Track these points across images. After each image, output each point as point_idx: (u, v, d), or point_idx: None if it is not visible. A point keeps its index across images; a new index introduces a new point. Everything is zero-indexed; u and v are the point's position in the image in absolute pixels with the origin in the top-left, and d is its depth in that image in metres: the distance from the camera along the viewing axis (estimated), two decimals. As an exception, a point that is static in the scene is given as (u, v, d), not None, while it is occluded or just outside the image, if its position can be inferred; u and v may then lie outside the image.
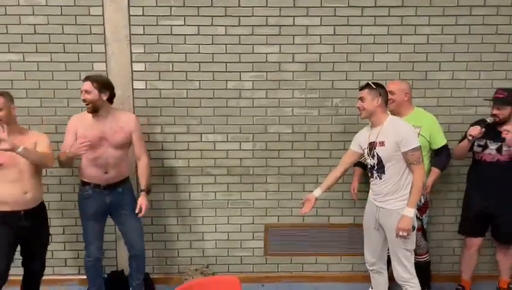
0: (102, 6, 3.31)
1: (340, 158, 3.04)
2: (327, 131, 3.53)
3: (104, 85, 2.89)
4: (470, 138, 3.04)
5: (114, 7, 3.31)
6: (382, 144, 2.71)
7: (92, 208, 3.02)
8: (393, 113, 3.09)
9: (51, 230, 3.53)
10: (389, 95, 3.05)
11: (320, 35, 3.40)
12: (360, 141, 2.90)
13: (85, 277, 3.23)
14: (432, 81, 3.47)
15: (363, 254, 3.07)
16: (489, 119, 3.07)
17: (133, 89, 3.43)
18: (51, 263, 3.63)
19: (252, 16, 3.37)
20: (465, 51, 3.44)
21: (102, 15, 3.33)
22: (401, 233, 2.66)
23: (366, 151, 2.84)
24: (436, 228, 3.63)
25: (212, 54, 3.41)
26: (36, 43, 3.35)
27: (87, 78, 2.88)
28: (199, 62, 3.42)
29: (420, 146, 2.68)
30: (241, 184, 3.59)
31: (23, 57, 3.36)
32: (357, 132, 2.99)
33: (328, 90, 3.48)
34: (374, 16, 3.38)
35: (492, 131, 3.08)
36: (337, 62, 3.44)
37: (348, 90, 3.46)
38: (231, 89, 3.46)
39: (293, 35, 3.40)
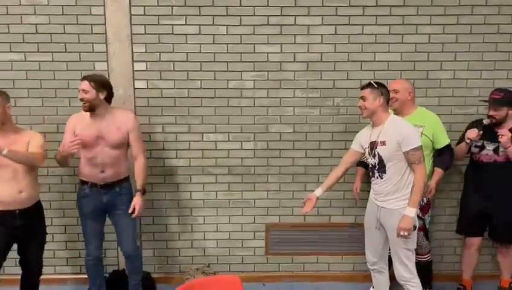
0: (104, 5, 3.31)
1: (341, 158, 3.04)
2: (328, 130, 3.53)
3: (102, 85, 2.89)
4: (468, 141, 3.06)
5: (115, 7, 3.31)
6: (383, 143, 2.71)
7: (89, 207, 3.03)
8: (397, 112, 3.10)
9: (52, 229, 3.57)
10: (392, 93, 3.06)
11: (321, 34, 3.40)
12: (361, 140, 2.90)
13: (86, 276, 3.24)
14: (433, 81, 3.47)
15: (364, 254, 3.07)
16: (485, 121, 3.07)
17: (135, 89, 3.44)
18: (52, 262, 3.64)
19: (253, 15, 3.37)
20: (466, 50, 3.44)
21: (104, 14, 3.33)
22: (402, 233, 2.65)
23: (367, 150, 2.83)
24: (437, 227, 3.63)
25: (214, 53, 3.41)
26: (37, 43, 3.35)
27: (85, 78, 2.89)
28: (200, 62, 3.42)
29: (421, 146, 2.68)
30: (242, 184, 3.59)
31: (25, 56, 3.37)
32: (358, 132, 2.99)
33: (329, 89, 3.48)
34: (375, 16, 3.38)
35: (489, 132, 3.08)
36: (338, 61, 3.44)
37: (349, 90, 3.46)
38: (232, 88, 3.46)
39: (294, 34, 3.40)
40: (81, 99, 2.87)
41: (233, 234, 3.68)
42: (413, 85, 3.25)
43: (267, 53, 3.42)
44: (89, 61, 3.38)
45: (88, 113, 2.92)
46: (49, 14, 3.32)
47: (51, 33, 3.34)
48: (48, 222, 3.53)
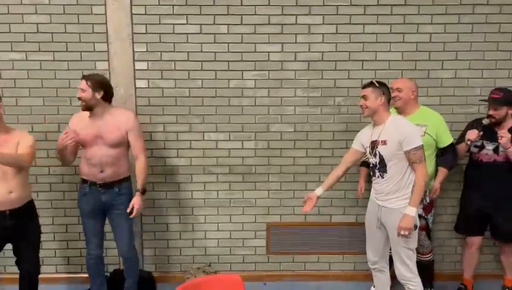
0: (105, 5, 3.31)
1: (342, 157, 3.04)
2: (329, 130, 3.53)
3: (98, 84, 2.88)
4: (469, 142, 3.05)
5: (116, 6, 3.31)
6: (384, 142, 2.71)
7: (88, 206, 3.04)
8: (400, 111, 3.10)
9: (54, 228, 3.58)
10: (395, 92, 3.06)
11: (322, 33, 3.40)
12: (362, 139, 2.89)
13: (87, 275, 3.25)
14: (434, 80, 3.47)
15: (365, 253, 3.07)
16: (485, 121, 3.07)
17: (136, 88, 3.44)
18: (54, 261, 3.65)
19: (254, 14, 3.36)
20: (467, 50, 3.43)
21: (105, 14, 3.33)
22: (402, 232, 2.65)
23: (368, 150, 2.83)
24: (438, 227, 3.63)
25: (215, 52, 3.41)
26: (39, 42, 3.35)
27: (83, 77, 2.91)
28: (201, 61, 3.42)
29: (422, 145, 2.68)
30: (243, 183, 3.59)
31: (26, 55, 3.37)
32: (359, 131, 2.98)
33: (330, 89, 3.47)
34: (377, 15, 3.38)
35: (488, 132, 3.08)
36: (339, 61, 3.44)
37: (350, 89, 3.46)
38: (233, 87, 3.46)
39: (295, 34, 3.40)
40: (79, 98, 2.90)
41: (234, 233, 3.68)
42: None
43: (268, 52, 3.41)
44: (90, 60, 3.38)
45: (88, 112, 2.93)
46: (50, 14, 3.32)
47: (52, 32, 3.34)
48: (49, 221, 3.57)
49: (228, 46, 3.40)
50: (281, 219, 3.66)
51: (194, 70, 3.43)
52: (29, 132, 3.41)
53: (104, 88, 2.90)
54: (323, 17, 3.38)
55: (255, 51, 3.41)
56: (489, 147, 3.13)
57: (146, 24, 3.36)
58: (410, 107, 3.10)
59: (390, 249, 2.93)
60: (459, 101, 3.50)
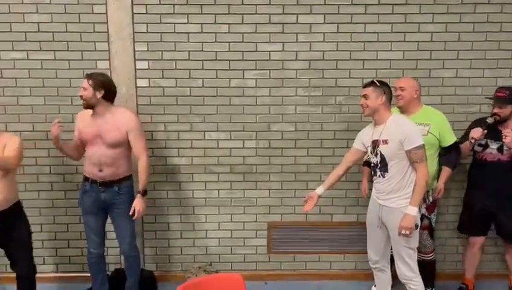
0: (106, 4, 3.31)
1: (343, 156, 3.03)
2: (330, 129, 3.53)
3: (100, 84, 2.88)
4: (473, 140, 3.03)
5: (117, 5, 3.31)
6: (385, 142, 2.71)
7: (89, 203, 3.05)
8: (402, 110, 3.09)
9: (54, 228, 3.58)
10: (398, 91, 3.06)
11: (323, 33, 3.40)
12: (363, 139, 2.89)
13: (89, 274, 3.25)
14: (435, 79, 3.46)
15: (366, 252, 3.07)
16: (489, 120, 3.06)
17: (137, 87, 3.44)
18: (55, 260, 3.66)
19: (255, 13, 3.36)
20: (469, 49, 3.43)
21: (106, 13, 3.33)
22: (403, 231, 2.65)
23: (369, 149, 2.83)
24: (440, 226, 3.62)
25: (216, 52, 3.41)
26: (40, 41, 3.36)
27: (86, 76, 2.93)
28: (202, 60, 3.42)
29: (423, 144, 2.67)
30: (244, 182, 3.59)
31: (27, 55, 3.37)
32: (360, 130, 2.98)
33: (331, 88, 3.47)
34: (378, 14, 3.37)
35: (493, 130, 3.07)
36: (340, 60, 3.43)
37: (351, 88, 3.46)
38: (234, 87, 3.46)
39: (296, 33, 3.39)
40: (80, 97, 2.91)
41: (235, 232, 3.68)
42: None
43: (269, 51, 3.41)
44: (91, 59, 3.38)
45: (91, 111, 2.94)
46: (51, 13, 3.32)
47: (53, 32, 3.35)
48: (50, 220, 3.58)
49: (229, 45, 3.40)
50: (282, 218, 3.66)
51: (195, 69, 3.43)
52: (30, 131, 3.44)
53: (105, 88, 2.90)
54: (324, 16, 3.37)
55: (256, 50, 3.41)
56: (494, 146, 3.12)
57: (147, 23, 3.36)
58: (413, 106, 3.09)
59: (391, 249, 2.92)
60: (460, 100, 3.49)
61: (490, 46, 3.42)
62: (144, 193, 2.99)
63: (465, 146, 3.17)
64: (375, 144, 2.77)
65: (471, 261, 3.40)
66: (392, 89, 2.88)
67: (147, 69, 3.42)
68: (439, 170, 3.17)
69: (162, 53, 3.40)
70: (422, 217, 3.13)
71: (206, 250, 3.71)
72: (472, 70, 3.46)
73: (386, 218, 2.81)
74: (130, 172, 3.10)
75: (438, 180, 3.17)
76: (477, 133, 3.01)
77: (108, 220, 3.15)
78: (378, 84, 2.74)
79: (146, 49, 3.39)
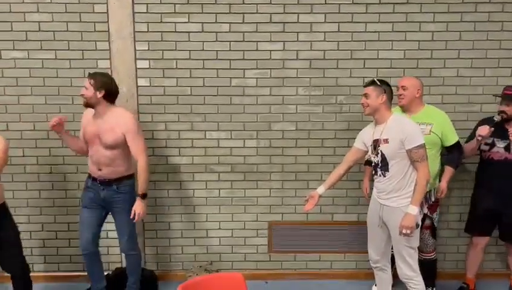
0: (107, 3, 3.31)
1: (344, 156, 3.03)
2: (331, 128, 3.53)
3: (100, 83, 2.88)
4: (480, 138, 3.00)
5: (118, 4, 3.31)
6: (386, 141, 2.71)
7: (88, 199, 3.07)
8: (404, 109, 3.09)
9: (55, 227, 3.59)
10: (400, 90, 3.05)
11: (324, 32, 3.40)
12: (364, 138, 2.89)
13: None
14: (436, 79, 3.46)
15: (366, 252, 3.07)
16: (496, 118, 3.04)
17: (137, 87, 3.44)
18: (56, 259, 3.66)
19: (256, 13, 3.36)
20: (470, 48, 3.42)
21: (107, 12, 3.33)
22: (404, 231, 2.65)
23: (370, 148, 2.83)
24: (441, 225, 3.61)
25: (216, 51, 3.41)
26: (40, 41, 3.36)
27: (88, 75, 2.94)
28: (203, 59, 3.42)
29: (424, 144, 2.67)
30: (245, 181, 3.60)
31: (28, 54, 3.37)
32: (361, 129, 2.98)
33: (332, 87, 3.47)
34: (379, 13, 3.37)
35: (499, 129, 3.05)
36: (341, 59, 3.43)
37: (352, 88, 3.46)
38: (235, 86, 3.46)
39: (297, 32, 3.39)
40: (81, 95, 2.92)
41: (236, 231, 3.68)
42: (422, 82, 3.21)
43: (270, 51, 3.41)
44: (92, 59, 3.38)
45: (93, 110, 2.96)
46: (52, 12, 3.32)
47: (53, 31, 3.35)
48: (51, 219, 3.59)
49: (230, 44, 3.40)
50: (283, 218, 3.66)
51: (196, 68, 3.43)
52: (31, 130, 3.45)
53: (106, 88, 2.89)
54: (325, 16, 3.37)
55: (256, 50, 3.41)
56: (501, 144, 3.10)
57: (148, 22, 3.36)
58: (415, 105, 3.08)
59: (392, 248, 2.92)
60: (461, 99, 3.49)
61: (491, 45, 3.42)
62: (143, 196, 2.96)
63: (471, 145, 3.13)
64: (376, 143, 2.77)
65: (473, 260, 3.38)
66: (394, 88, 2.88)
67: (148, 68, 3.42)
68: (442, 170, 3.16)
69: (162, 52, 3.40)
70: (425, 216, 3.12)
71: (206, 249, 3.71)
72: (473, 69, 3.45)
73: (387, 217, 2.81)
74: (131, 171, 3.09)
75: (440, 180, 3.16)
76: (484, 130, 2.97)
77: (111, 219, 3.15)
78: (379, 83, 2.74)
79: (147, 48, 3.39)
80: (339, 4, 3.35)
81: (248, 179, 3.59)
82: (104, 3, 3.31)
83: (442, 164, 3.18)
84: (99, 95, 2.88)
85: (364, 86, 2.79)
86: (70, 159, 3.49)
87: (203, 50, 3.40)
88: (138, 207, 2.94)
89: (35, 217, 3.59)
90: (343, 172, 2.97)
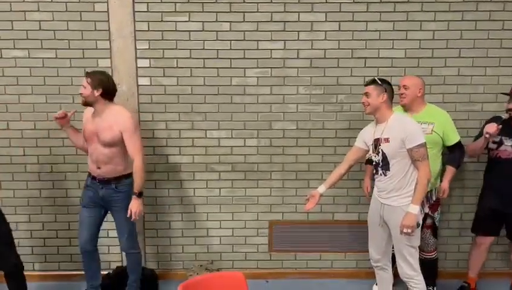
0: (107, 2, 3.31)
1: (345, 155, 3.03)
2: (332, 127, 3.53)
3: (98, 82, 2.88)
4: (487, 135, 2.96)
5: (119, 3, 3.31)
6: (387, 140, 2.70)
7: (87, 198, 3.08)
8: (406, 108, 3.09)
9: (56, 226, 3.59)
10: (402, 89, 3.04)
11: (325, 31, 3.39)
12: (365, 137, 2.89)
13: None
14: (437, 78, 3.45)
15: (367, 251, 3.06)
16: (504, 116, 3.03)
17: (138, 86, 3.44)
18: (57, 258, 3.66)
19: (257, 11, 3.36)
20: (471, 47, 3.42)
21: (107, 11, 3.33)
22: (405, 230, 2.64)
23: (371, 147, 2.83)
24: (442, 224, 3.61)
25: (217, 50, 3.40)
26: (41, 40, 3.35)
27: (85, 74, 2.94)
28: (204, 58, 3.41)
29: (425, 143, 2.67)
30: (245, 180, 3.59)
31: (29, 53, 3.37)
32: (362, 128, 2.98)
33: (332, 86, 3.47)
34: (379, 12, 3.37)
35: (507, 127, 3.03)
36: (342, 58, 3.43)
37: (352, 87, 3.45)
38: (236, 85, 3.46)
39: (298, 31, 3.39)
40: (80, 94, 2.93)
41: (237, 230, 3.68)
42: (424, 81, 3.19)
43: (271, 50, 3.41)
44: (93, 58, 3.38)
45: (93, 108, 2.97)
46: (52, 11, 3.32)
47: (54, 30, 3.35)
48: (51, 218, 3.59)
49: (230, 43, 3.40)
50: (283, 217, 3.66)
51: (196, 67, 3.43)
52: (32, 129, 3.46)
53: (103, 86, 2.90)
54: (325, 15, 3.37)
55: (257, 48, 3.40)
56: (508, 143, 3.08)
57: (148, 21, 3.36)
58: (417, 104, 3.07)
59: (392, 247, 2.92)
60: (462, 98, 3.48)
61: (492, 44, 3.41)
62: (139, 195, 2.95)
63: (478, 142, 3.11)
64: (376, 142, 2.77)
65: (476, 260, 3.36)
66: (395, 87, 2.87)
67: (148, 67, 3.42)
68: (443, 170, 3.16)
69: (163, 51, 3.40)
70: (426, 215, 3.12)
71: (207, 248, 3.71)
72: (474, 68, 3.45)
73: (388, 216, 2.80)
74: (130, 170, 3.06)
75: (441, 180, 3.16)
76: (492, 128, 2.93)
77: (111, 218, 3.15)
78: (380, 82, 2.74)
79: (147, 47, 3.39)
80: (340, 3, 3.35)
81: (249, 178, 3.59)
82: (104, 2, 3.31)
83: (444, 164, 3.17)
84: (97, 93, 2.89)
85: (365, 85, 2.79)
86: (70, 158, 3.49)
87: (203, 49, 3.40)
88: (134, 206, 2.92)
89: (35, 216, 3.59)
90: (343, 171, 2.97)
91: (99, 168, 2.98)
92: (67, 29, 3.35)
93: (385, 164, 2.74)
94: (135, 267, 3.24)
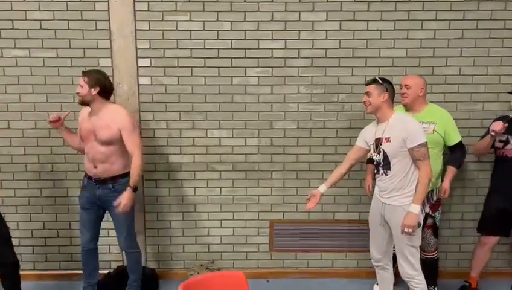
0: (108, 1, 3.31)
1: (346, 154, 3.02)
2: (333, 127, 3.52)
3: (94, 80, 2.89)
4: (493, 133, 2.96)
5: (119, 2, 3.31)
6: (388, 140, 2.70)
7: (84, 198, 3.08)
8: (407, 108, 3.08)
9: (57, 225, 3.60)
10: (404, 89, 3.04)
11: (326, 30, 3.39)
12: (366, 137, 2.88)
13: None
14: (438, 77, 3.45)
15: (368, 250, 3.06)
16: (511, 114, 3.01)
17: (139, 85, 3.43)
18: (57, 258, 3.66)
19: (258, 11, 3.35)
20: (472, 46, 3.41)
21: (108, 10, 3.33)
22: (406, 230, 2.64)
23: (372, 147, 2.82)
24: (443, 224, 3.60)
25: (218, 49, 3.40)
26: (42, 39, 3.35)
27: (82, 73, 2.94)
28: (204, 58, 3.41)
29: (426, 142, 2.66)
30: (246, 180, 3.59)
31: (29, 52, 3.37)
32: (362, 128, 2.97)
33: (333, 85, 3.46)
34: (381, 11, 3.36)
35: None
36: (343, 57, 3.42)
37: (353, 86, 3.45)
38: (236, 84, 3.45)
39: (299, 30, 3.38)
40: (77, 94, 2.94)
41: (237, 230, 3.68)
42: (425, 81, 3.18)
43: (272, 49, 3.40)
44: (93, 57, 3.38)
45: (89, 108, 2.98)
46: (53, 10, 3.32)
47: (55, 29, 3.34)
48: (52, 217, 3.59)
49: (231, 42, 3.39)
50: (284, 216, 3.66)
51: (197, 67, 3.42)
52: (33, 128, 3.46)
53: (100, 84, 2.90)
54: (326, 14, 3.36)
55: (258, 48, 3.40)
56: None
57: (149, 21, 3.36)
58: (419, 104, 3.07)
59: (393, 247, 2.92)
60: (463, 98, 3.48)
61: (494, 43, 3.40)
62: (134, 189, 2.93)
63: (485, 141, 3.10)
64: (378, 141, 2.76)
65: (480, 259, 3.35)
66: (396, 86, 2.87)
67: (149, 66, 3.42)
68: (444, 170, 3.15)
69: (164, 51, 3.40)
70: (427, 215, 3.12)
71: (208, 248, 3.71)
72: (475, 67, 3.44)
73: (389, 216, 2.80)
74: (126, 170, 3.06)
75: (442, 180, 3.15)
76: (498, 126, 2.93)
77: (110, 218, 3.15)
78: (381, 81, 2.73)
79: (148, 46, 3.39)
80: (341, 2, 3.34)
81: (249, 177, 3.59)
82: (105, 2, 3.31)
83: (445, 164, 3.17)
84: (94, 92, 2.89)
85: (366, 84, 2.78)
86: (71, 157, 3.49)
87: (204, 48, 3.40)
88: (125, 197, 2.87)
89: (36, 215, 3.59)
90: (344, 171, 2.96)
91: (95, 167, 2.98)
92: (68, 29, 3.35)
93: (386, 164, 2.73)
94: (135, 266, 3.23)
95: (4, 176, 3.50)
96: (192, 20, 3.36)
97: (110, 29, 3.35)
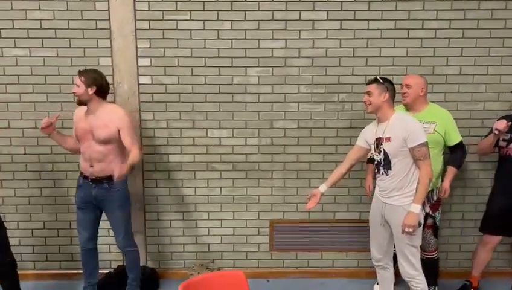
0: (108, 1, 3.30)
1: (346, 154, 3.02)
2: (333, 126, 3.52)
3: (91, 80, 2.88)
4: (496, 132, 2.95)
5: (120, 2, 3.30)
6: (389, 139, 2.70)
7: (81, 198, 3.07)
8: (408, 108, 3.07)
9: (57, 225, 3.60)
10: (404, 88, 3.03)
11: (326, 29, 3.38)
12: (367, 136, 2.88)
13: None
14: (439, 76, 3.44)
15: (368, 250, 3.06)
16: None
17: (139, 84, 3.43)
18: (57, 257, 3.66)
19: (258, 10, 3.35)
20: (473, 46, 3.41)
21: (108, 10, 3.32)
22: (407, 229, 2.64)
23: (373, 147, 2.82)
24: (443, 224, 3.60)
25: (218, 49, 3.40)
26: (42, 38, 3.35)
27: (78, 72, 2.93)
28: (205, 57, 3.41)
29: (427, 142, 2.66)
30: (246, 179, 3.59)
31: (30, 52, 3.37)
32: (363, 128, 2.97)
33: (334, 85, 3.46)
34: (381, 11, 3.35)
35: None
36: (343, 57, 3.42)
37: (354, 86, 3.45)
38: (237, 84, 3.45)
39: (299, 30, 3.38)
40: (73, 93, 2.92)
41: (238, 230, 3.68)
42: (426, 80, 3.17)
43: (272, 48, 3.40)
44: (93, 56, 3.37)
45: (85, 107, 2.96)
46: (53, 10, 3.32)
47: (55, 28, 3.34)
48: (53, 217, 3.59)
49: (232, 42, 3.39)
50: (284, 216, 3.66)
51: (198, 66, 3.42)
52: (33, 128, 3.46)
53: (96, 84, 2.90)
54: (327, 13, 3.36)
55: (258, 47, 3.40)
56: None
57: (149, 20, 3.35)
58: (419, 104, 3.06)
59: (394, 247, 2.91)
60: (464, 97, 3.47)
61: (494, 43, 3.40)
62: (131, 168, 2.88)
63: (488, 140, 3.10)
64: (378, 141, 2.76)
65: (481, 259, 3.34)
66: (397, 86, 2.86)
67: (149, 66, 3.41)
68: (444, 170, 3.15)
69: (164, 50, 3.39)
70: (427, 215, 3.11)
71: (208, 247, 3.70)
72: (476, 67, 3.43)
73: (389, 216, 2.80)
74: None
75: (442, 179, 3.15)
76: (501, 124, 2.93)
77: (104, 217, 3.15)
78: (382, 81, 2.73)
79: (148, 46, 3.38)
80: (341, 2, 3.34)
81: (249, 177, 3.59)
82: (105, 1, 3.31)
83: (445, 164, 3.16)
84: (91, 91, 2.89)
85: (367, 84, 2.78)
86: (71, 157, 3.48)
87: (204, 48, 3.39)
88: (123, 168, 2.81)
89: (36, 215, 3.59)
90: (345, 171, 2.96)
91: (91, 166, 2.97)
92: (68, 28, 3.34)
93: (387, 163, 2.73)
94: (133, 265, 3.23)
95: (4, 175, 3.50)
96: (193, 20, 3.36)
97: (110, 28, 3.34)
